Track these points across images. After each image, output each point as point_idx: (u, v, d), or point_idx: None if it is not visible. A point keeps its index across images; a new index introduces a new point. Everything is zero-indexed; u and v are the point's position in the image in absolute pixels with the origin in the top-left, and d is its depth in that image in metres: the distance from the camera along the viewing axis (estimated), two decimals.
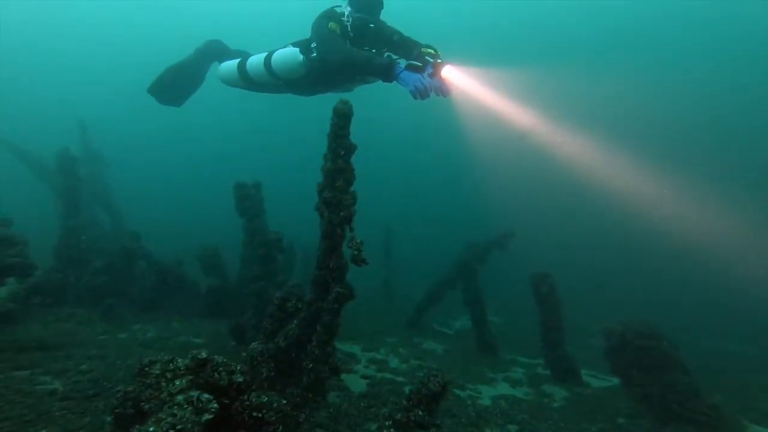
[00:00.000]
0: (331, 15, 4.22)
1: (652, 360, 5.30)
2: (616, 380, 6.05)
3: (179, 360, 1.65)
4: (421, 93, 3.56)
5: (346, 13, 4.27)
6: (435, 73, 3.72)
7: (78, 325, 5.40)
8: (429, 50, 3.92)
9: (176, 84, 5.46)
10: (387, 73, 3.69)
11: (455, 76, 3.94)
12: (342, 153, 3.17)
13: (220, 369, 1.70)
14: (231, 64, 5.05)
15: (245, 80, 4.95)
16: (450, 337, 8.64)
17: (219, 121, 38.78)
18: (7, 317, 4.97)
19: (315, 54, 4.31)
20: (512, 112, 5.62)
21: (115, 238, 8.16)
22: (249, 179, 5.96)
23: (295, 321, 3.41)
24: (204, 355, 1.69)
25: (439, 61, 3.79)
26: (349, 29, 4.23)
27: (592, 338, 8.04)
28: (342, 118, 3.12)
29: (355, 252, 3.28)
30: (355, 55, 3.87)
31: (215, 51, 5.54)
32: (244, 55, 5.09)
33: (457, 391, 5.30)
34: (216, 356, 1.75)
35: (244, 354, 3.27)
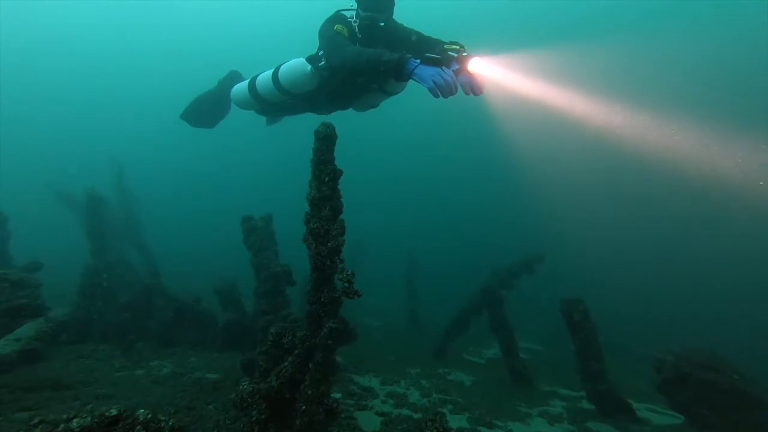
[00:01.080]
0: (337, 17, 3.93)
1: (721, 397, 4.65)
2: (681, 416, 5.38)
3: (75, 421, 1.47)
4: (442, 89, 2.96)
5: (354, 15, 3.97)
6: (461, 69, 3.17)
7: (97, 362, 5.47)
8: (454, 46, 3.35)
9: (204, 108, 5.43)
10: (399, 69, 3.11)
11: (486, 70, 3.28)
12: (326, 180, 3.03)
13: (138, 428, 1.50)
14: (242, 86, 4.81)
15: (257, 100, 4.62)
16: (481, 367, 8.15)
17: (246, 150, 39.87)
18: (32, 355, 5.11)
19: (323, 62, 3.97)
20: (564, 103, 4.97)
21: (146, 275, 8.40)
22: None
23: (289, 358, 3.23)
24: (114, 411, 1.50)
25: (465, 54, 3.22)
26: (356, 30, 3.91)
27: (644, 364, 7.39)
28: (324, 142, 3.00)
29: (346, 284, 3.11)
30: (361, 54, 3.37)
31: (235, 79, 5.36)
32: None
33: (484, 430, 4.89)
34: (141, 411, 1.56)
35: (232, 395, 3.12)
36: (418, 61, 3.11)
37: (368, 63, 3.26)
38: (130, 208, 9.66)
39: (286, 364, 3.22)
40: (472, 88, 3.18)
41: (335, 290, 3.18)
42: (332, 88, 4.13)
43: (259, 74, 4.58)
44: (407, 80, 3.29)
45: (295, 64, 4.09)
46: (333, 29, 3.71)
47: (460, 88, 3.15)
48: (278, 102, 4.53)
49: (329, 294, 3.17)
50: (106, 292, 6.41)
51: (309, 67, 4.01)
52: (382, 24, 3.90)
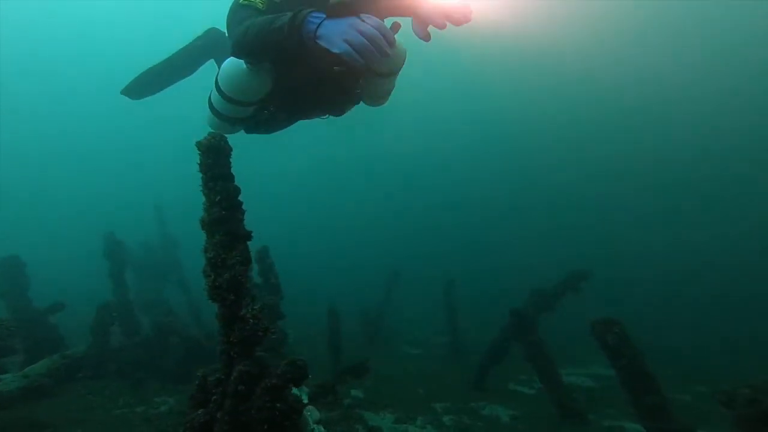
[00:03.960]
0: None
1: None
2: None
3: None
4: (361, 50, 1.89)
5: None
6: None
7: (102, 399, 5.49)
8: None
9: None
10: (295, 36, 2.05)
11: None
12: (218, 199, 2.61)
13: None
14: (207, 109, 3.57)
15: (225, 121, 3.33)
16: (527, 399, 7.04)
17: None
18: (38, 392, 5.26)
19: None
20: None
21: (188, 313, 8.70)
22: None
23: (200, 411, 2.80)
24: None
25: None
26: None
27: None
28: (210, 155, 2.58)
29: (251, 320, 2.65)
30: (252, 26, 2.30)
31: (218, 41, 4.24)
32: None
33: None
34: None
35: None
36: (323, 15, 2.00)
37: (257, 37, 2.24)
38: (173, 251, 10.33)
39: (200, 412, 2.79)
40: (437, 21, 1.89)
41: (246, 327, 2.71)
42: (289, 85, 2.89)
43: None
44: (312, 46, 2.06)
45: (228, 67, 2.83)
46: (238, 2, 2.64)
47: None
48: (250, 116, 3.25)
49: (239, 332, 2.70)
50: (129, 329, 6.59)
51: (244, 65, 2.78)
52: None
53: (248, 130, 3.62)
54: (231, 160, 2.72)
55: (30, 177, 37.71)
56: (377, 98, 3.14)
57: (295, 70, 2.78)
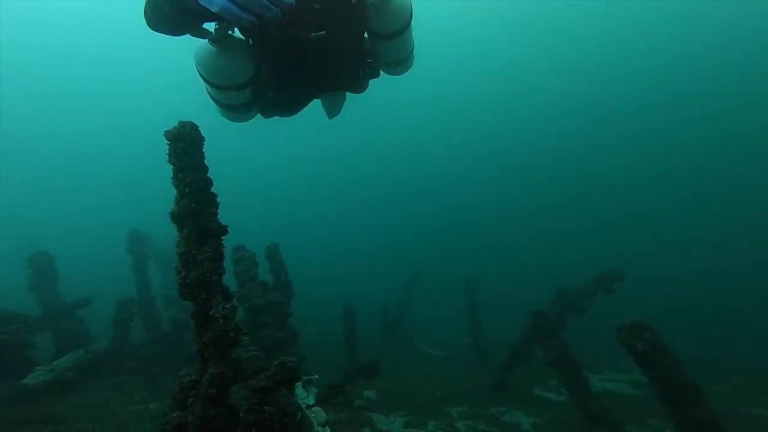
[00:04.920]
0: None
1: None
2: None
3: None
4: (245, 5, 1.73)
5: None
6: None
7: (120, 395, 5.59)
8: None
9: None
10: None
11: None
12: (187, 191, 2.48)
13: None
14: None
15: (226, 108, 2.96)
16: (553, 406, 6.61)
17: None
18: (63, 386, 5.43)
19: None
20: None
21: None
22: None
23: (175, 413, 2.69)
24: None
25: None
26: None
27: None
28: (177, 144, 2.46)
29: (221, 320, 2.51)
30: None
31: None
32: None
33: None
34: None
35: None
36: None
37: (150, 5, 2.02)
38: None
39: (175, 415, 2.68)
40: None
41: (217, 328, 2.57)
42: (279, 64, 2.67)
43: None
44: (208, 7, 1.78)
45: (197, 52, 2.51)
46: None
47: None
48: (251, 101, 2.86)
49: (212, 333, 2.57)
50: (149, 325, 6.72)
51: (211, 46, 2.42)
52: None
53: (264, 115, 3.28)
54: (204, 150, 2.59)
55: (64, 167, 38.34)
56: (394, 65, 2.84)
57: (274, 46, 2.55)
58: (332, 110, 3.61)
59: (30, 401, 5.07)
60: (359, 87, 3.03)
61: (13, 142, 35.73)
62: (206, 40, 2.43)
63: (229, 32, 2.30)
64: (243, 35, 2.51)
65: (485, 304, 9.21)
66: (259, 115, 3.34)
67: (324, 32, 2.33)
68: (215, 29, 2.23)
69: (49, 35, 34.98)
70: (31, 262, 6.75)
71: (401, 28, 2.53)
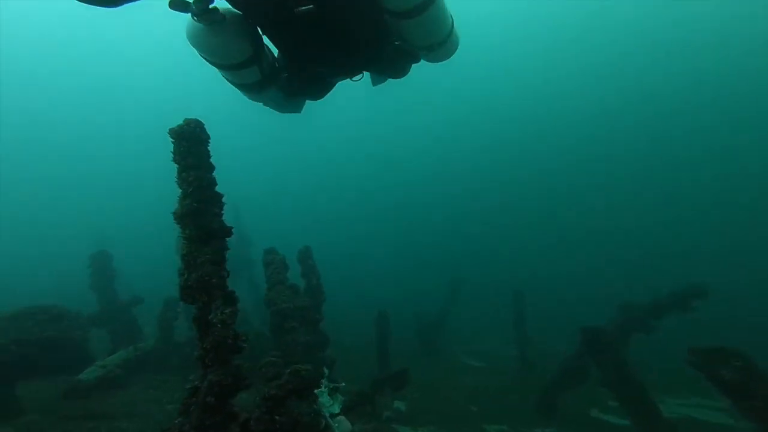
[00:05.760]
0: None
1: None
2: None
3: None
4: None
5: None
6: None
7: (163, 393, 5.76)
8: None
9: None
10: None
11: None
12: (190, 191, 2.40)
13: None
14: None
15: (237, 87, 2.72)
16: (615, 429, 5.92)
17: None
18: (112, 382, 5.68)
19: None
20: None
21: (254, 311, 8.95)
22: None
23: (178, 419, 2.61)
24: None
25: None
26: None
27: None
28: (182, 142, 2.39)
29: (219, 325, 2.40)
30: None
31: None
32: None
33: None
34: None
35: None
36: None
37: None
38: (246, 249, 10.73)
39: (176, 422, 2.61)
40: None
41: (215, 333, 2.47)
42: (284, 42, 2.51)
43: None
44: None
45: (186, 27, 2.33)
46: None
47: None
48: (261, 79, 2.59)
49: (213, 338, 2.47)
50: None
51: (197, 23, 2.23)
52: None
53: (288, 95, 2.92)
54: (209, 148, 2.52)
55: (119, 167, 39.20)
56: (428, 49, 2.58)
57: (262, 21, 2.35)
58: (376, 79, 3.25)
59: (83, 396, 5.33)
60: (393, 70, 2.73)
61: (92, 143, 38.01)
62: (189, 15, 2.20)
63: (213, 5, 2.11)
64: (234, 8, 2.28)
65: (533, 312, 8.58)
66: (296, 112, 3.11)
67: (311, 6, 2.09)
68: (193, 2, 2.03)
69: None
70: (92, 261, 7.21)
71: (418, 5, 2.24)
